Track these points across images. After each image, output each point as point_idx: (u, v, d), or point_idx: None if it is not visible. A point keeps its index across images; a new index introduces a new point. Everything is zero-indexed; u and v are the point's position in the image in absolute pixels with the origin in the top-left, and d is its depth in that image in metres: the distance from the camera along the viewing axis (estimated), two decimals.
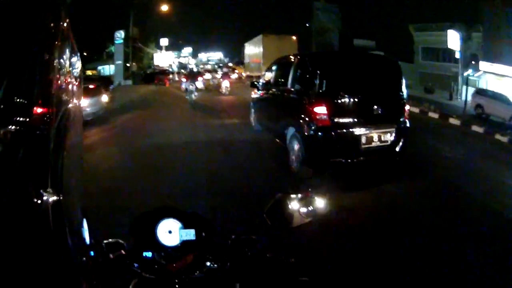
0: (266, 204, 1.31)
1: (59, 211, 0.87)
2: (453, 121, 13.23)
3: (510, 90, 19.67)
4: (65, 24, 1.33)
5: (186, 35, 65.42)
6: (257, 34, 32.62)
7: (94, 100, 11.38)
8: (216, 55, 75.12)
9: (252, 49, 34.12)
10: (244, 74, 36.31)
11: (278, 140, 6.88)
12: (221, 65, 55.47)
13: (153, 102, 17.53)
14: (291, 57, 7.15)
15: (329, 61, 6.35)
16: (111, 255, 1.18)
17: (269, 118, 7.81)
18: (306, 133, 5.71)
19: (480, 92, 19.49)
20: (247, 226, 1.03)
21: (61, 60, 1.29)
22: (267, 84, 8.13)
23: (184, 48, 69.67)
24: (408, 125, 6.01)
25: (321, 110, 5.51)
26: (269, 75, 8.19)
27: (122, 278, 1.15)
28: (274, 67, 7.92)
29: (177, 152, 7.39)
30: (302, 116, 5.78)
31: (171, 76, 33.24)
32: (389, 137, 5.74)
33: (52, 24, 1.20)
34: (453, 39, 24.57)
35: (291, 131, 6.17)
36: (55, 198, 0.87)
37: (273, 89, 7.61)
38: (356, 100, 5.67)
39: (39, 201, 0.83)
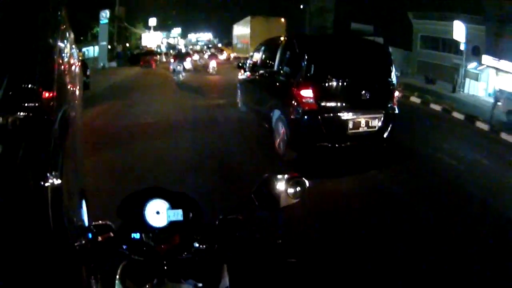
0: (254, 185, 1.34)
1: (59, 193, 0.92)
2: (481, 125, 10.83)
3: None
4: (63, 13, 1.38)
5: (175, 15, 64.82)
6: (247, 15, 33.44)
7: None
8: (206, 36, 75.96)
9: (240, 31, 35.45)
10: (232, 56, 37.31)
11: (264, 123, 6.98)
12: (210, 46, 55.84)
13: (136, 87, 16.18)
14: (278, 38, 7.18)
15: (317, 44, 6.40)
16: (99, 238, 1.19)
17: (255, 100, 7.91)
18: (291, 116, 5.79)
19: None
20: (232, 205, 1.06)
21: (62, 47, 1.36)
22: (254, 66, 8.19)
23: (174, 29, 69.55)
24: (397, 111, 6.12)
25: (307, 93, 5.58)
26: (256, 57, 8.25)
27: (111, 260, 1.19)
28: (261, 49, 7.97)
29: (158, 138, 7.41)
30: (288, 99, 5.85)
31: (158, 57, 32.85)
32: (377, 123, 5.85)
33: (52, 13, 1.26)
34: (459, 30, 24.50)
35: (276, 113, 6.26)
36: (56, 181, 0.91)
37: (260, 71, 7.68)
38: (344, 84, 5.75)
39: (41, 185, 0.88)
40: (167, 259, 1.16)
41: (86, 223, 1.27)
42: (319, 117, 5.60)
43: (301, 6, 42.19)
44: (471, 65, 25.16)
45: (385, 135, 5.95)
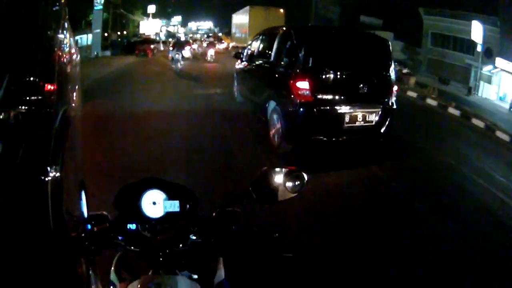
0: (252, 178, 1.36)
1: (59, 187, 0.98)
2: (501, 135, 10.17)
3: None
4: (64, 5, 1.48)
5: (175, 3, 65.08)
6: (247, 5, 34.60)
7: None
8: (206, 25, 77.05)
9: (239, 20, 37.15)
10: (231, 45, 38.37)
11: (259, 114, 7.11)
12: (210, 34, 56.41)
13: (128, 80, 15.21)
14: (276, 29, 7.33)
15: (316, 35, 6.52)
16: (95, 228, 1.22)
17: (251, 90, 8.07)
18: (286, 108, 5.94)
19: None
20: (227, 197, 1.12)
21: (62, 39, 1.44)
22: (251, 56, 8.35)
23: (174, 17, 70.15)
24: (395, 106, 6.26)
25: (303, 85, 5.69)
26: (253, 47, 8.41)
27: (106, 251, 1.22)
28: (259, 39, 8.12)
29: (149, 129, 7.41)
30: (284, 90, 5.99)
31: (155, 45, 32.78)
32: (374, 117, 5.97)
33: (53, 5, 1.36)
34: (477, 31, 24.39)
35: (272, 105, 6.40)
36: (56, 174, 0.97)
37: (257, 61, 7.83)
38: (341, 77, 5.87)
39: (42, 178, 0.91)
40: (163, 251, 1.21)
41: (86, 215, 1.30)
42: (315, 110, 5.71)
43: None
44: (487, 68, 25.05)
45: (382, 130, 6.09)
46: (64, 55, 1.42)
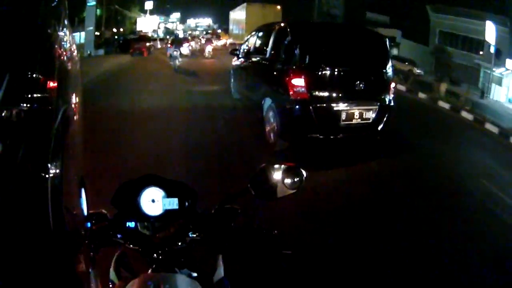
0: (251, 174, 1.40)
1: (59, 184, 1.02)
2: None
3: None
4: (64, 5, 1.58)
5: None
6: (244, 1, 36.84)
7: None
8: (205, 22, 78.68)
9: (237, 17, 39.84)
10: (228, 42, 39.53)
11: (255, 111, 7.25)
12: (209, 31, 57.52)
13: (122, 83, 14.04)
14: (272, 25, 7.51)
15: (312, 31, 6.69)
16: (93, 227, 1.26)
17: (247, 87, 8.28)
18: (282, 106, 6.11)
19: None
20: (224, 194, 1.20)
21: (62, 37, 1.49)
22: (247, 52, 8.56)
23: (173, 14, 70.82)
24: (392, 103, 6.41)
25: (299, 82, 5.83)
26: (249, 43, 8.63)
27: (106, 249, 1.27)
28: (255, 35, 8.33)
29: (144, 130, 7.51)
30: (279, 87, 6.17)
31: (151, 43, 32.56)
32: (372, 115, 6.12)
33: (52, 3, 1.43)
34: (490, 32, 24.28)
35: (267, 102, 6.57)
36: (56, 171, 1.01)
37: (253, 58, 8.03)
38: (337, 74, 6.02)
39: (42, 175, 0.96)
40: (162, 248, 1.25)
41: (85, 212, 1.37)
42: (311, 107, 5.84)
43: None
44: (499, 70, 25.03)
45: (379, 128, 6.25)
46: (65, 53, 1.47)
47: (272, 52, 6.87)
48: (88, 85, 12.33)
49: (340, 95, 5.97)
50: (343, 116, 5.95)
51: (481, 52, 26.11)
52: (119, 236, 1.25)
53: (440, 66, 32.06)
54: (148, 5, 47.53)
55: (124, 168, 5.01)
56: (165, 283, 1.11)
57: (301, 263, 3.11)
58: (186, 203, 1.26)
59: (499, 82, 25.90)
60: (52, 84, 1.12)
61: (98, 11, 30.82)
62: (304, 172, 1.37)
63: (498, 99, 25.39)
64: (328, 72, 5.99)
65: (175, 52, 17.06)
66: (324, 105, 5.91)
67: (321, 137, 6.00)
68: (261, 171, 1.36)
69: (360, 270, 3.45)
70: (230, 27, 45.01)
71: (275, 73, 6.51)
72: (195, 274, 1.28)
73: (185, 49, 22.18)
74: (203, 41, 35.57)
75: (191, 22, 79.21)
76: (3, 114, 0.90)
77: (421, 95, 14.86)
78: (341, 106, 5.94)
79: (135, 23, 45.42)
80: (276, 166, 1.35)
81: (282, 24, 7.20)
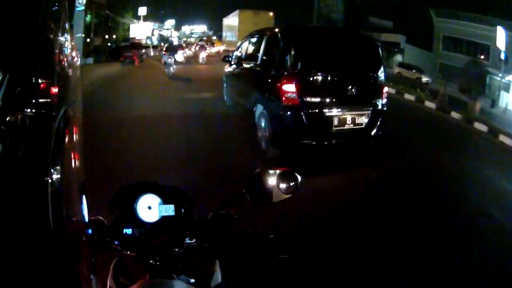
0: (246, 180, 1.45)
1: (60, 190, 1.04)
2: None
3: None
4: (64, 7, 1.66)
5: (169, 6, 66.34)
6: (243, 7, 38.85)
7: None
8: (200, 28, 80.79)
9: (230, 24, 42.06)
10: (221, 49, 41.00)
11: (247, 118, 7.42)
12: (204, 38, 58.70)
13: (110, 99, 12.82)
14: (263, 30, 7.76)
15: (302, 36, 6.87)
16: (95, 235, 1.31)
17: (239, 94, 8.53)
18: (274, 112, 6.30)
19: None
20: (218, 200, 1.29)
21: (62, 40, 1.53)
22: (239, 59, 8.82)
23: (167, 20, 71.84)
24: (385, 108, 6.61)
25: (290, 88, 6.01)
26: (241, 50, 8.88)
27: (103, 256, 1.31)
28: (246, 41, 8.57)
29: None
30: (271, 93, 6.38)
31: (143, 50, 32.91)
32: (364, 120, 6.31)
33: (52, 6, 1.46)
34: (501, 38, 24.17)
35: (259, 108, 6.77)
36: (57, 176, 1.04)
37: (244, 64, 8.28)
38: (329, 79, 6.23)
39: (42, 181, 0.96)
40: (159, 255, 1.29)
41: (86, 219, 1.39)
42: (302, 113, 6.02)
43: None
44: (509, 77, 25.09)
45: (372, 133, 6.43)
46: (65, 56, 1.50)
47: (263, 58, 7.08)
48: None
49: (332, 100, 6.15)
50: (335, 121, 6.13)
51: (482, 57, 26.20)
52: (116, 242, 1.30)
53: (444, 71, 32.05)
54: (142, 11, 47.72)
55: (117, 176, 5.06)
56: None
57: (298, 267, 3.21)
58: (182, 209, 1.32)
59: (508, 89, 25.99)
60: (51, 87, 1.15)
61: (88, 17, 30.90)
62: (299, 177, 1.42)
63: (508, 106, 25.37)
64: (319, 78, 6.20)
65: (169, 59, 17.77)
66: (316, 111, 6.09)
67: (314, 143, 6.15)
68: (256, 176, 1.41)
69: (357, 273, 3.59)
70: (224, 34, 47.48)
71: (266, 79, 6.68)
72: (192, 280, 1.33)
73: (179, 56, 23.22)
74: (197, 48, 37.50)
75: (186, 29, 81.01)
76: (2, 115, 0.91)
77: (454, 115, 13.47)
78: (333, 111, 6.12)
79: (128, 29, 45.52)
80: (271, 171, 1.41)
81: (273, 30, 7.42)
